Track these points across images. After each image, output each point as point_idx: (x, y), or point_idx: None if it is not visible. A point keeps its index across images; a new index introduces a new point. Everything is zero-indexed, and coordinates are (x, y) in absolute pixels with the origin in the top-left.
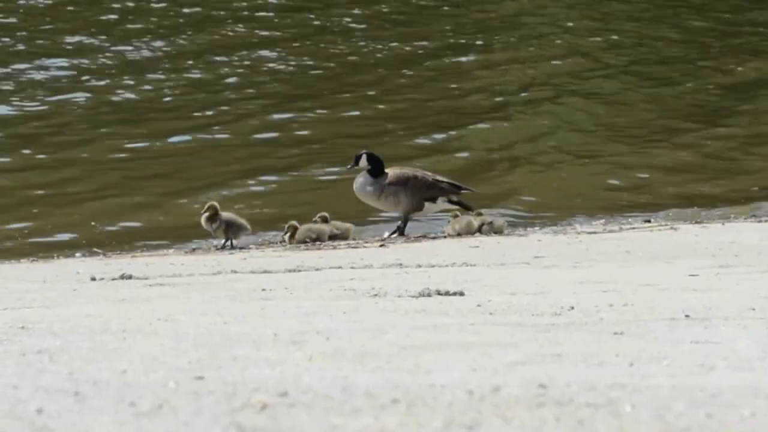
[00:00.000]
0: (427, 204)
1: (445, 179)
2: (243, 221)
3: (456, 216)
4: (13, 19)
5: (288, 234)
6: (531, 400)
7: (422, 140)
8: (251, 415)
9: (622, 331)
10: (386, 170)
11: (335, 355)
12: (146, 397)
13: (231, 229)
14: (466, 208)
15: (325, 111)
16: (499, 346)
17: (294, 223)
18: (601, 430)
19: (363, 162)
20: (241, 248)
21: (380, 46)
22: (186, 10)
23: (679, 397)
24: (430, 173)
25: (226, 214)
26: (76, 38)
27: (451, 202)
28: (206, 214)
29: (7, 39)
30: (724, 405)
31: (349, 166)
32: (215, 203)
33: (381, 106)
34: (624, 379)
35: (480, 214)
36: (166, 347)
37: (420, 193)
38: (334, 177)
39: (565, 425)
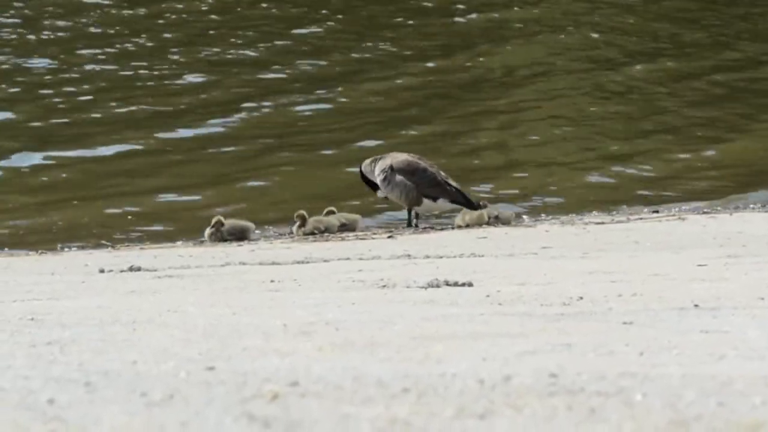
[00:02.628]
0: (426, 201)
1: (455, 185)
2: (245, 223)
3: None
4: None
5: (297, 224)
6: (542, 389)
7: (428, 132)
8: (262, 405)
9: (631, 321)
10: (394, 154)
11: (345, 346)
12: (157, 388)
13: (236, 236)
14: (471, 207)
15: (335, 102)
16: (509, 336)
17: (303, 213)
18: (612, 419)
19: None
20: (249, 240)
21: (390, 40)
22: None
23: (690, 385)
24: (442, 173)
25: (228, 223)
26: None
27: (454, 201)
28: (211, 229)
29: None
30: (735, 393)
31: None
32: (221, 217)
33: (389, 97)
34: (634, 368)
35: (485, 206)
36: (176, 338)
37: (421, 187)
38: (343, 169)
39: (577, 414)
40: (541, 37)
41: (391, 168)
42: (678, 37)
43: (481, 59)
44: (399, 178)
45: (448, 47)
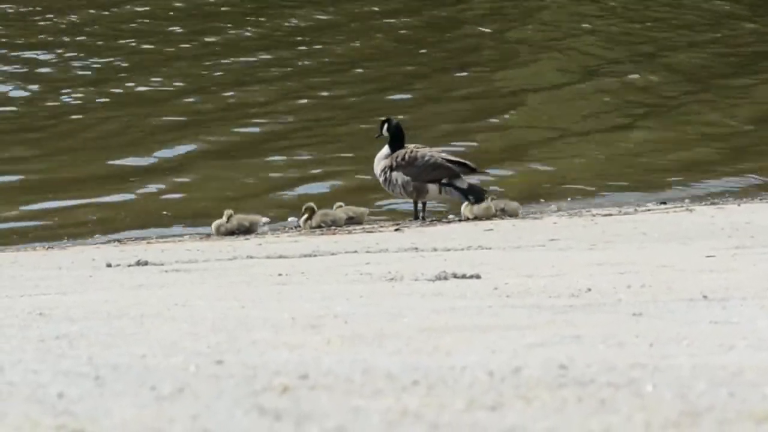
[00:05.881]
0: (432, 187)
1: (455, 158)
2: (253, 217)
3: None
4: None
5: (305, 216)
6: (552, 381)
7: (440, 126)
8: (272, 398)
9: (640, 312)
10: (398, 151)
11: (354, 339)
12: (167, 381)
13: (245, 230)
14: (477, 200)
15: (343, 97)
16: (518, 328)
17: (311, 205)
18: (623, 410)
19: (384, 130)
20: (256, 234)
21: (403, 31)
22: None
23: (700, 376)
24: (442, 153)
25: (236, 218)
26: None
27: (459, 189)
28: (219, 220)
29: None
30: (746, 384)
31: (376, 136)
32: (231, 211)
33: (402, 84)
34: (644, 359)
35: (493, 199)
36: (185, 332)
37: (423, 175)
38: (350, 162)
39: (587, 405)
40: (555, 33)
41: (390, 167)
42: (694, 31)
43: (490, 50)
44: (396, 173)
45: (467, 32)
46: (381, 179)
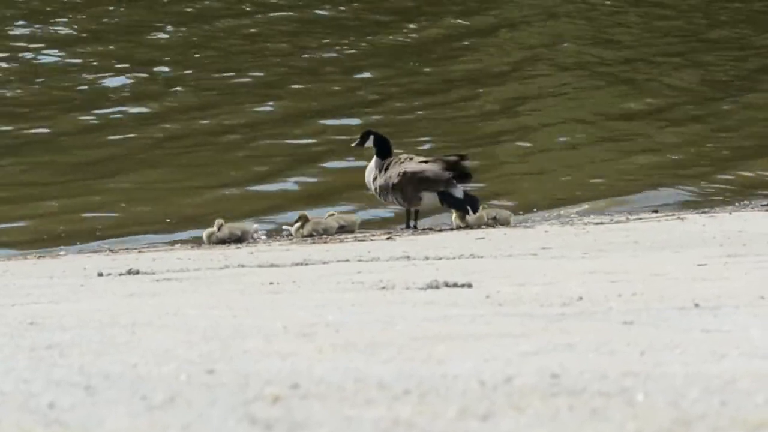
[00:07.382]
0: (426, 194)
1: (446, 164)
2: (244, 227)
3: None
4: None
5: (299, 225)
6: (544, 390)
7: (428, 135)
8: (264, 407)
9: (632, 321)
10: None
11: (346, 347)
12: (159, 390)
13: (236, 239)
14: (474, 210)
15: (335, 103)
16: (510, 336)
17: (305, 213)
18: (615, 419)
19: (369, 143)
20: (247, 243)
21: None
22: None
23: (693, 384)
24: (437, 162)
25: (228, 227)
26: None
27: (455, 200)
28: (210, 229)
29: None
30: (739, 392)
31: (354, 144)
32: (222, 220)
33: (392, 93)
34: (636, 367)
35: (485, 207)
36: (177, 340)
37: (414, 184)
38: (342, 170)
39: (579, 414)
40: (545, 28)
41: (378, 177)
42: (683, 38)
43: (477, 52)
44: (386, 183)
45: (454, 36)
46: (372, 189)
